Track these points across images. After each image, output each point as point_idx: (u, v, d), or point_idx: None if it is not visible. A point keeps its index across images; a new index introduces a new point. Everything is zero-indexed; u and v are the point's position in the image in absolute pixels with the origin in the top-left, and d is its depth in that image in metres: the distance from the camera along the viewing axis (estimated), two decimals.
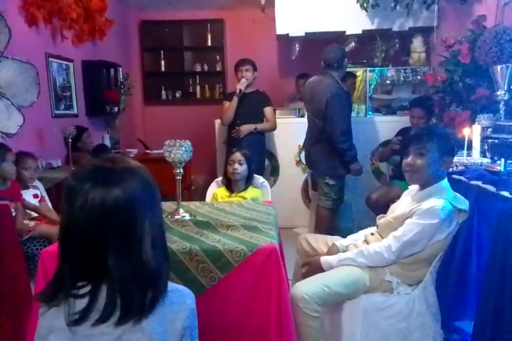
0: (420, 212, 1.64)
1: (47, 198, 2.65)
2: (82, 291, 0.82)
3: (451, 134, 1.78)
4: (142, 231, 0.82)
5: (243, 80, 3.39)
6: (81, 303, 0.81)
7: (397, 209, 1.84)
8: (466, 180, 2.05)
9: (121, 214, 0.80)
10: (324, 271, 1.73)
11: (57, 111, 3.46)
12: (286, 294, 1.35)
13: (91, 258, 0.81)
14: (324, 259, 1.76)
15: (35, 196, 2.52)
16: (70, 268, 0.83)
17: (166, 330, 0.82)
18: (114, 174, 0.82)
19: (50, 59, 3.38)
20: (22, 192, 2.40)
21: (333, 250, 1.86)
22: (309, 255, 1.99)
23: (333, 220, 3.22)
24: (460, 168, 2.20)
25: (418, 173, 1.72)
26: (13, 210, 2.19)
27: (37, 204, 2.50)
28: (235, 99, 3.39)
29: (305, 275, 1.75)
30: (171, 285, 0.87)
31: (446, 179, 1.75)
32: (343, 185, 3.10)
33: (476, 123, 2.39)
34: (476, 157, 2.31)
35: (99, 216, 0.79)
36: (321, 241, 1.99)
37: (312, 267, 1.78)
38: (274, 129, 3.60)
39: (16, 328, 1.84)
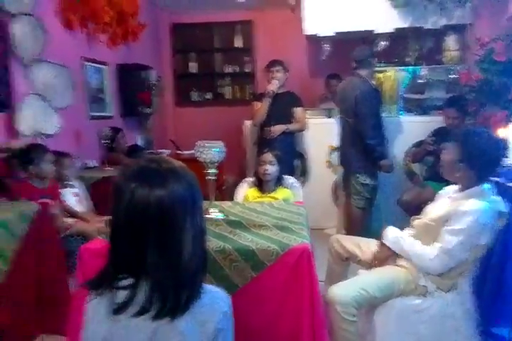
0: (457, 216, 1.59)
1: (84, 197, 2.75)
2: (123, 283, 0.85)
3: (477, 142, 1.64)
4: (182, 232, 0.85)
5: (275, 81, 3.40)
6: (122, 295, 0.84)
7: (432, 210, 1.80)
8: (502, 181, 1.99)
9: (163, 214, 0.83)
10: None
11: (92, 113, 3.58)
12: (318, 295, 1.35)
13: (133, 253, 0.84)
14: (387, 230, 1.79)
15: (75, 194, 2.62)
16: (114, 260, 0.87)
17: (197, 331, 0.84)
18: (159, 175, 0.85)
19: (86, 62, 3.50)
20: (62, 191, 2.50)
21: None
22: (342, 257, 1.98)
23: (364, 220, 3.19)
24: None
25: (444, 170, 1.75)
26: (52, 208, 2.28)
27: (76, 203, 2.60)
28: (267, 100, 3.41)
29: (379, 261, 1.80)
30: (206, 286, 0.89)
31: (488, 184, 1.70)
32: (376, 185, 3.09)
33: None
34: None
35: (142, 214, 0.82)
36: (354, 243, 1.97)
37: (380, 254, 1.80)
38: (304, 130, 3.59)
39: (54, 321, 1.91)
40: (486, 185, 1.67)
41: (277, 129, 3.42)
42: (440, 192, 1.90)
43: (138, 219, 0.83)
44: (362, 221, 3.14)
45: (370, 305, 1.66)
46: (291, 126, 3.48)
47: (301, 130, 3.59)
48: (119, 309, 0.83)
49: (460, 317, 1.65)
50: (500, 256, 1.92)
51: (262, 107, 3.44)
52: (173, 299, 0.82)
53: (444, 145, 1.78)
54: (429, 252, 1.64)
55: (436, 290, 1.66)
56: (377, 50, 3.96)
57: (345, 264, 2.03)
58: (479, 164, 1.63)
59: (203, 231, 0.91)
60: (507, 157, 2.29)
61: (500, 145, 1.69)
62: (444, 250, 1.60)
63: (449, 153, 1.71)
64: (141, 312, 0.82)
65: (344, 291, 1.58)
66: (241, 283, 1.35)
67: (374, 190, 3.10)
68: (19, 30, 2.62)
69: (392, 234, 1.78)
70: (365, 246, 1.92)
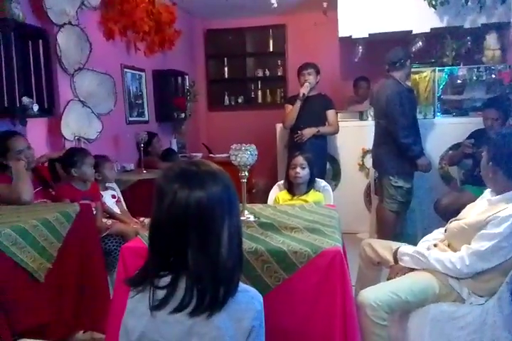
0: (496, 221, 1.55)
1: (122, 199, 2.85)
2: (163, 280, 0.90)
3: (504, 142, 1.62)
4: (220, 231, 0.89)
5: (306, 84, 3.41)
6: (163, 291, 0.89)
7: (470, 212, 1.76)
8: None
9: (202, 214, 0.87)
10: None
11: (130, 118, 3.72)
12: (350, 298, 1.35)
13: (174, 251, 0.89)
14: (401, 250, 1.76)
15: (113, 196, 2.73)
16: (155, 258, 0.92)
17: (233, 328, 0.87)
18: (198, 177, 0.90)
19: (125, 69, 3.64)
20: (102, 193, 2.61)
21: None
22: (373, 261, 1.96)
23: (398, 225, 3.14)
24: None
25: (482, 175, 1.73)
26: (93, 209, 2.39)
27: (114, 204, 2.71)
28: (298, 103, 3.42)
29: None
30: (241, 285, 0.93)
31: None
32: (410, 188, 3.04)
33: None
34: None
35: (183, 214, 0.87)
36: (385, 247, 1.94)
37: (395, 270, 1.77)
38: (337, 132, 3.58)
39: (93, 319, 1.99)
40: None
41: (307, 132, 3.42)
42: (482, 195, 1.86)
43: (179, 219, 0.87)
44: (395, 225, 3.09)
45: (403, 310, 1.64)
46: (323, 129, 3.47)
47: (334, 133, 3.58)
48: (159, 305, 0.88)
49: (499, 326, 1.59)
50: None
51: (292, 110, 3.45)
52: (211, 295, 0.86)
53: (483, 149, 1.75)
54: (451, 255, 1.62)
55: (472, 295, 1.61)
56: (412, 51, 3.90)
57: (377, 269, 2.01)
58: (505, 163, 1.61)
59: (240, 231, 0.95)
60: None
61: None
62: (475, 252, 1.56)
63: (484, 155, 1.70)
64: (179, 309, 0.86)
65: (374, 295, 1.57)
66: (273, 284, 1.36)
67: (408, 194, 3.04)
68: (64, 40, 2.78)
69: (405, 252, 1.75)
70: None
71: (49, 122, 2.82)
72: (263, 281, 1.37)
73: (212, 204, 0.88)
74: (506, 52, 3.57)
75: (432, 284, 1.63)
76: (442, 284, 1.64)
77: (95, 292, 2.03)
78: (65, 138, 2.82)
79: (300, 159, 2.43)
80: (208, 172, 0.91)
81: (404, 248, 1.78)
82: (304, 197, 2.41)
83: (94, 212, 2.36)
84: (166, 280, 0.89)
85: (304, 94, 3.40)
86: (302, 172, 2.40)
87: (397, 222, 3.12)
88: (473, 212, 1.74)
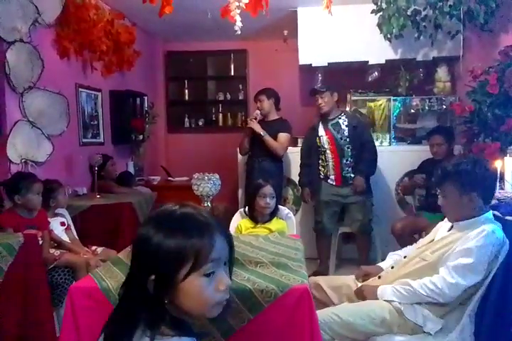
0: (469, 237, 1.58)
1: (72, 226, 2.67)
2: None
3: (472, 168, 1.63)
4: None
5: (257, 111, 3.48)
6: None
7: (437, 233, 1.79)
8: (500, 215, 1.98)
9: None
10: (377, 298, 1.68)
11: (84, 140, 3.54)
12: (319, 337, 1.29)
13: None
14: (382, 287, 1.70)
15: (62, 224, 2.54)
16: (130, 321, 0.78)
17: None
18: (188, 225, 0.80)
19: (80, 89, 3.49)
20: (50, 219, 2.42)
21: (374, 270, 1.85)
22: (324, 302, 1.88)
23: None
24: (493, 202, 2.12)
25: (449, 213, 1.75)
26: (39, 239, 2.20)
27: (63, 232, 2.52)
28: (246, 131, 3.48)
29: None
30: None
31: (490, 212, 1.72)
32: (316, 209, 3.40)
33: (508, 154, 2.32)
34: (509, 190, 2.23)
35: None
36: (333, 287, 1.89)
37: (366, 292, 1.72)
38: (280, 153, 3.46)
39: None
40: (489, 214, 1.69)
41: (255, 125, 3.42)
42: (437, 225, 1.88)
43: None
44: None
45: (350, 335, 1.61)
46: (268, 138, 3.38)
47: (278, 151, 3.44)
48: None
49: None
50: (499, 290, 1.87)
51: (243, 138, 3.48)
52: None
53: (439, 191, 1.75)
54: (430, 277, 1.60)
55: (427, 318, 1.59)
56: (368, 80, 4.06)
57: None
58: (480, 186, 1.64)
59: None
60: (502, 188, 2.31)
61: (484, 164, 1.69)
62: (457, 266, 1.56)
63: (447, 192, 1.69)
64: None
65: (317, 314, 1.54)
66: (237, 326, 1.28)
67: (315, 215, 3.39)
68: (14, 58, 2.61)
69: (386, 286, 1.71)
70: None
71: None
72: (226, 323, 1.28)
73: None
74: (456, 84, 3.78)
75: (380, 309, 1.61)
76: (397, 314, 1.62)
77: (40, 334, 1.85)
78: (10, 161, 2.62)
79: (269, 189, 2.36)
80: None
81: (385, 286, 1.71)
82: (267, 225, 2.36)
83: (41, 242, 2.18)
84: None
85: (245, 123, 3.47)
86: (272, 203, 2.35)
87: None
88: (439, 234, 1.76)
